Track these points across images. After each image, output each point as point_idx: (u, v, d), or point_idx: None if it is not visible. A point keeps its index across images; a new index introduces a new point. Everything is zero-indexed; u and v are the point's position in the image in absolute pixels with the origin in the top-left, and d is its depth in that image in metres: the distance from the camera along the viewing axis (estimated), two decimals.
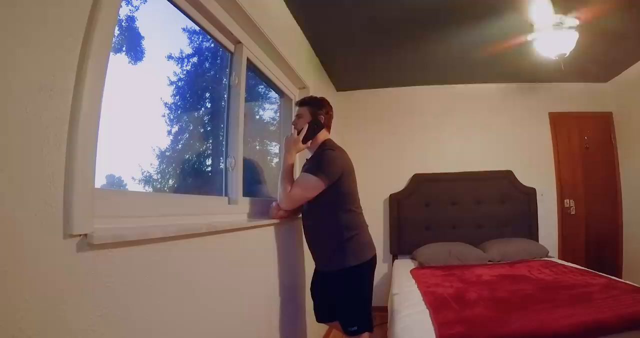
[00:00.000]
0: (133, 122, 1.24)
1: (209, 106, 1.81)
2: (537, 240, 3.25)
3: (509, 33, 2.50)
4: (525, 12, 2.23)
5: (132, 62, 1.19)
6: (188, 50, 1.57)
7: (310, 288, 1.89)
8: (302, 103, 1.78)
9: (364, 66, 3.20)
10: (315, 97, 1.82)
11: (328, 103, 1.80)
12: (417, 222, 3.41)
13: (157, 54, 1.36)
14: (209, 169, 1.77)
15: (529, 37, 2.47)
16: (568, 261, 2.85)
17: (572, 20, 2.27)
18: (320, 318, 1.86)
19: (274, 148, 2.50)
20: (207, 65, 1.77)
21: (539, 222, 3.34)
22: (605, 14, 2.24)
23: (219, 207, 1.50)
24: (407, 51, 2.87)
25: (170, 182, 1.49)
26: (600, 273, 2.24)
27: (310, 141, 1.71)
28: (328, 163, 1.59)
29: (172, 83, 1.47)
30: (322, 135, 1.74)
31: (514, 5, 2.18)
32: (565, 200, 3.43)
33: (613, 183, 3.41)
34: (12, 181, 0.61)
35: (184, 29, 1.52)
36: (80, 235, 0.72)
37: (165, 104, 1.43)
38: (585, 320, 1.44)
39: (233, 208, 1.57)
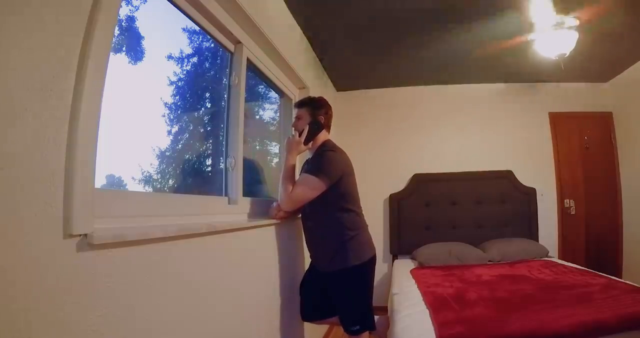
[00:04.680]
0: (133, 122, 1.24)
1: (209, 106, 1.81)
2: (537, 240, 3.24)
3: (510, 33, 2.50)
4: (525, 12, 2.23)
5: (132, 62, 1.19)
6: (188, 50, 1.57)
7: (300, 286, 1.88)
8: (301, 104, 1.77)
9: (364, 66, 3.20)
10: (314, 98, 1.81)
11: (327, 103, 1.79)
12: (417, 222, 3.41)
13: (157, 54, 1.36)
14: (209, 168, 1.77)
15: (529, 37, 2.47)
16: (568, 261, 2.85)
17: (572, 21, 2.27)
18: (308, 316, 1.86)
19: (274, 148, 2.50)
20: (207, 65, 1.77)
21: (539, 222, 3.34)
22: (605, 14, 2.24)
23: (219, 207, 1.50)
24: (407, 50, 2.87)
25: (170, 182, 1.49)
26: (600, 273, 2.24)
27: (311, 142, 1.72)
28: (329, 164, 1.59)
29: (172, 83, 1.47)
30: (322, 136, 1.73)
31: (514, 5, 2.18)
32: (565, 200, 3.43)
33: (613, 183, 3.41)
34: (12, 181, 0.61)
35: (184, 29, 1.52)
36: (80, 235, 0.72)
37: (165, 104, 1.44)
38: (585, 320, 1.44)
39: (233, 209, 1.57)
